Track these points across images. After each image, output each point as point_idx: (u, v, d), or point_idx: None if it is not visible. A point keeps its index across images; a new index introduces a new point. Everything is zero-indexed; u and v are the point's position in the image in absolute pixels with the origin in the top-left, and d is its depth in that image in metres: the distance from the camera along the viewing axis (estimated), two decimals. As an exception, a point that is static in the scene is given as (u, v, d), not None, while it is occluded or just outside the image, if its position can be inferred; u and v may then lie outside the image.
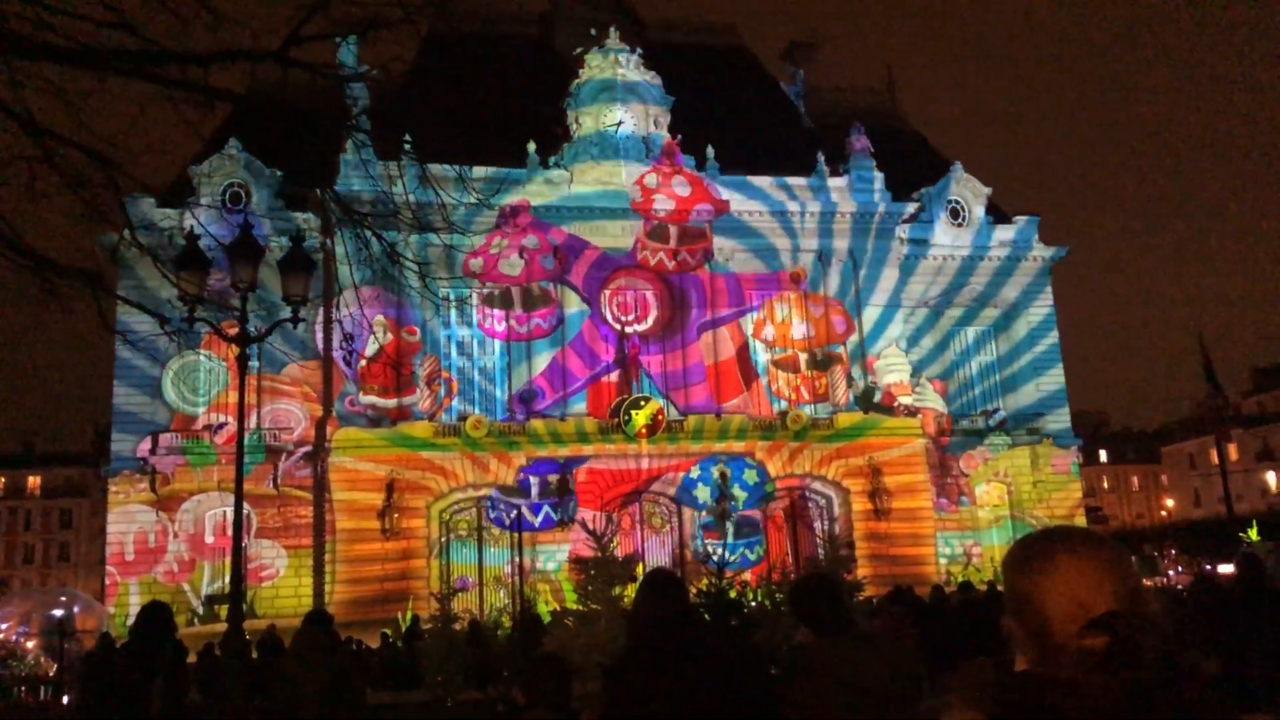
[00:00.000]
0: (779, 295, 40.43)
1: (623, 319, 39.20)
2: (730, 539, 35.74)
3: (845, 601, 4.78)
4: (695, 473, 37.13)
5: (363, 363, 33.85)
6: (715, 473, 36.80)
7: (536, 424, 36.67)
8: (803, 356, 40.12)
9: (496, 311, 38.13)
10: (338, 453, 35.18)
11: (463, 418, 36.84)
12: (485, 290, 37.83)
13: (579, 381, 38.20)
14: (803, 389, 39.91)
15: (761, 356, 40.41)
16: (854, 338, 40.50)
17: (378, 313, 33.24)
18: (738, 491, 36.81)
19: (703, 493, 36.89)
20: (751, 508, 37.05)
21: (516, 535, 36.10)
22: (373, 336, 32.62)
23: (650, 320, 39.57)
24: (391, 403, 36.20)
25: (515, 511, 34.27)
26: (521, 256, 37.84)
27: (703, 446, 37.38)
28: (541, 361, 38.23)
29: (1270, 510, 59.02)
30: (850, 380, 39.78)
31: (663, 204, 39.14)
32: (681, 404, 38.55)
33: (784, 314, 40.30)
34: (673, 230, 39.49)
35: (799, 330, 40.20)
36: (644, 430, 36.65)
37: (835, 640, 4.46)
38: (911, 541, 37.68)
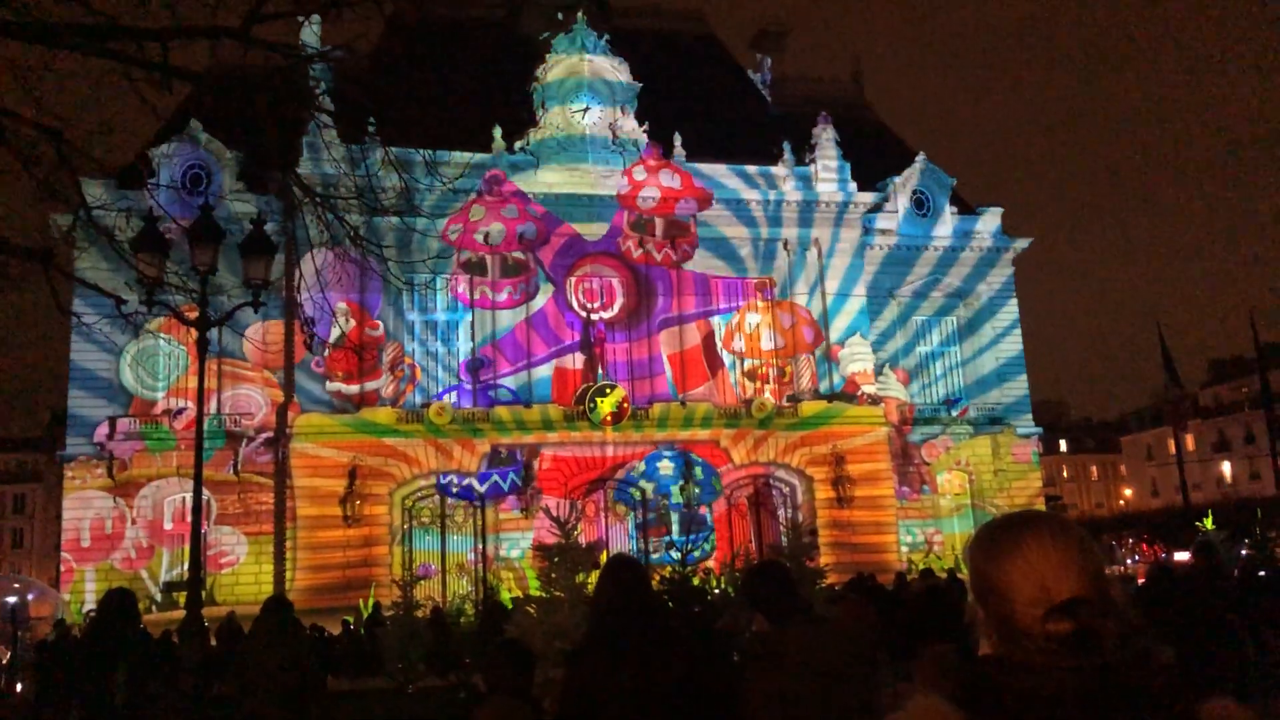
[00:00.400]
0: (749, 304, 40.39)
1: (589, 306, 39.13)
2: (676, 534, 35.80)
3: (797, 587, 4.77)
4: (640, 468, 37.03)
5: (326, 352, 33.56)
6: (661, 467, 36.87)
7: (501, 411, 36.55)
8: (772, 370, 40.13)
9: (472, 279, 37.91)
10: (299, 438, 34.89)
11: (425, 404, 36.63)
12: (462, 257, 37.61)
13: (539, 357, 38.05)
14: (770, 375, 40.03)
15: (731, 361, 40.46)
16: (819, 326, 40.66)
17: (340, 298, 32.95)
18: (691, 488, 36.89)
19: (648, 487, 36.90)
20: (701, 504, 37.10)
21: (479, 522, 36.04)
22: (335, 323, 32.36)
23: (616, 308, 39.54)
24: (354, 388, 35.95)
25: (467, 481, 34.44)
26: (496, 224, 37.61)
27: (668, 434, 37.43)
28: (505, 347, 38.05)
29: (1225, 500, 60.05)
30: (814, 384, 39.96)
31: (648, 195, 39.07)
32: (646, 392, 38.56)
33: (753, 325, 40.28)
34: (658, 223, 39.49)
35: (768, 341, 40.19)
36: (609, 418, 36.63)
37: (789, 626, 4.46)
38: (874, 529, 37.99)
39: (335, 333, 32.90)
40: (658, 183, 39.22)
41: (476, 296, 37.79)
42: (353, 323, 34.63)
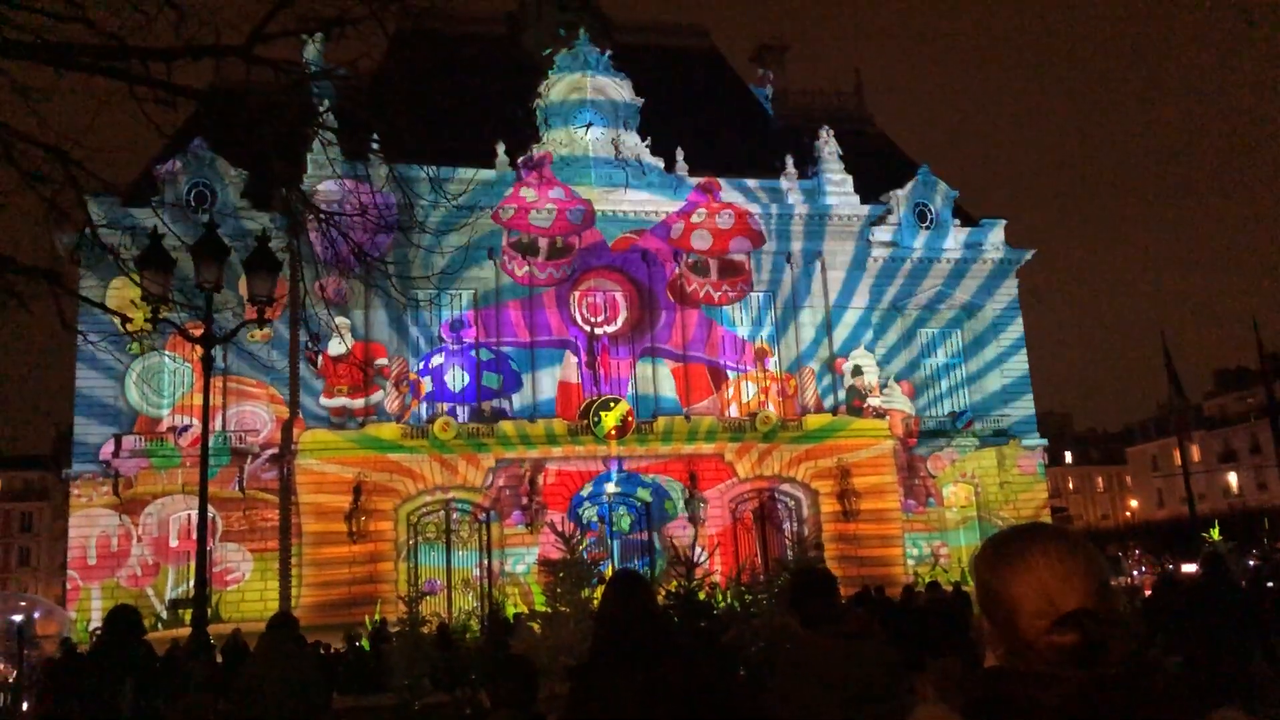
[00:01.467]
0: (746, 375, 40.28)
1: (592, 320, 39.15)
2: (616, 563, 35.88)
3: (839, 598, 4.78)
4: (588, 489, 37.03)
5: (320, 362, 33.71)
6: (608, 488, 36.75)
7: (505, 425, 36.55)
8: (712, 262, 40.29)
9: (523, 258, 38.16)
10: (304, 455, 34.90)
11: (430, 419, 36.64)
12: (514, 237, 37.96)
13: (546, 376, 38.12)
14: (772, 389, 39.97)
15: (677, 256, 40.36)
16: (823, 339, 40.63)
17: (344, 315, 33.06)
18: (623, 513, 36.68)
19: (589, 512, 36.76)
20: (640, 530, 36.87)
21: (485, 537, 36.03)
22: (338, 338, 32.54)
23: (620, 322, 39.56)
24: (359, 402, 35.96)
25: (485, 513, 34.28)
26: (545, 210, 38.29)
27: (672, 448, 37.39)
28: (508, 361, 38.04)
29: (1232, 510, 59.85)
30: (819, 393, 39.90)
31: (701, 241, 39.44)
32: (650, 406, 38.53)
33: (750, 394, 40.09)
34: (713, 264, 39.79)
35: (711, 239, 40.28)
36: (613, 432, 36.61)
37: (824, 634, 4.46)
38: (879, 543, 37.89)
39: (339, 349, 33.07)
40: (713, 225, 39.35)
41: (522, 274, 38.04)
42: (351, 340, 34.77)
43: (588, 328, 38.90)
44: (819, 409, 39.71)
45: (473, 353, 38.00)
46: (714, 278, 39.86)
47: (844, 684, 4.16)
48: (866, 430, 39.16)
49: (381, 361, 36.11)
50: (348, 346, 33.09)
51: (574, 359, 38.63)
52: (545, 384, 38.06)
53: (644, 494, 37.62)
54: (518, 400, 37.83)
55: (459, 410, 37.60)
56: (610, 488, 37.05)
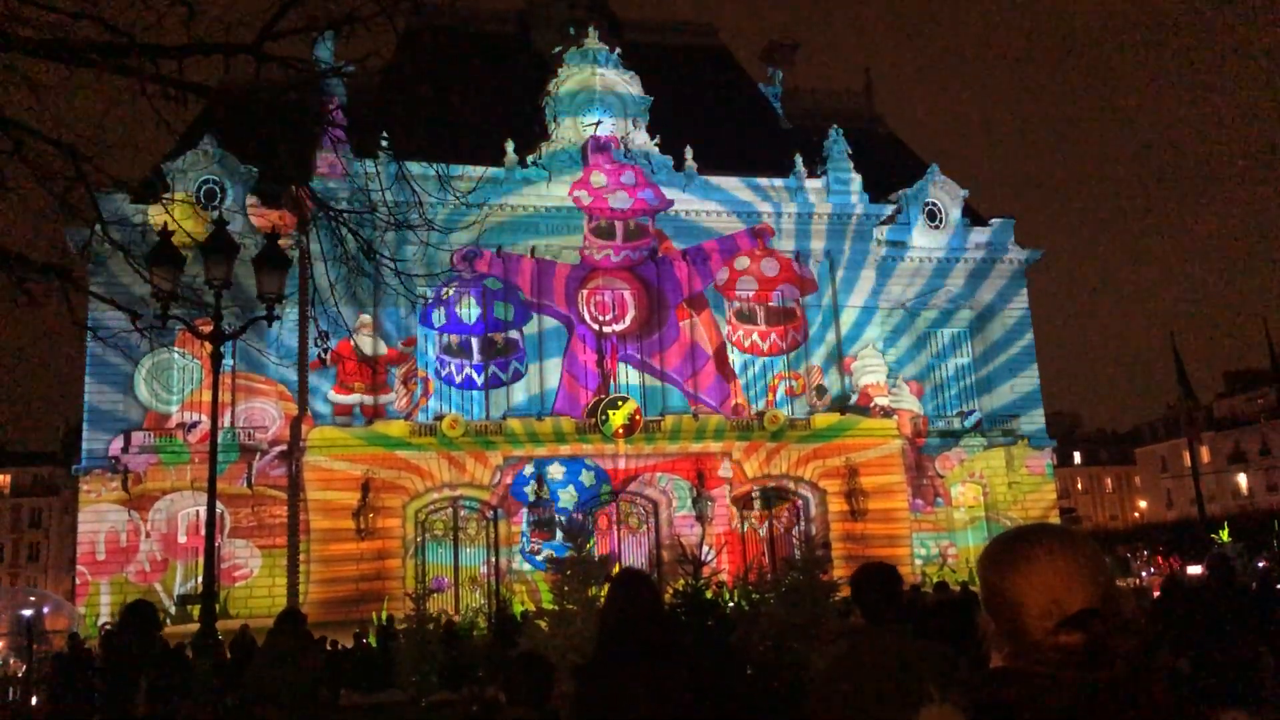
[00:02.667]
0: (746, 253, 40.38)
1: (600, 319, 39.16)
2: (559, 540, 35.83)
3: (901, 594, 4.79)
4: (528, 469, 36.78)
5: (326, 355, 33.72)
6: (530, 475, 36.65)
7: (513, 423, 36.57)
8: (759, 309, 40.44)
9: (457, 361, 37.97)
10: (313, 451, 34.98)
11: (439, 417, 36.69)
12: (444, 340, 37.82)
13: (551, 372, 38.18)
14: (779, 387, 39.89)
15: (722, 303, 40.35)
16: (830, 336, 40.58)
17: (354, 312, 33.07)
18: (570, 493, 36.52)
19: (531, 490, 36.57)
20: (580, 510, 36.68)
21: (492, 535, 36.05)
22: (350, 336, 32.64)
23: (628, 320, 39.56)
24: (368, 399, 36.03)
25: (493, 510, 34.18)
26: (481, 304, 37.88)
27: (680, 447, 37.38)
28: (518, 364, 38.04)
29: (1241, 512, 59.64)
30: (821, 390, 39.84)
31: (619, 202, 39.27)
32: (658, 404, 38.53)
33: (743, 266, 40.31)
34: (760, 310, 40.24)
35: (758, 285, 40.47)
36: (621, 430, 36.62)
37: (886, 630, 4.47)
38: (887, 542, 37.81)
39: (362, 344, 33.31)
40: (621, 186, 39.41)
41: (461, 380, 37.86)
42: (364, 336, 34.82)
43: (596, 327, 38.90)
44: (827, 406, 39.67)
45: (485, 283, 37.89)
46: (618, 240, 39.64)
47: (902, 680, 4.14)
48: (874, 430, 39.12)
49: (404, 349, 36.08)
50: (355, 343, 33.19)
51: (580, 348, 38.51)
52: (551, 374, 37.96)
53: (587, 477, 37.15)
54: (523, 392, 37.72)
55: (469, 399, 37.59)
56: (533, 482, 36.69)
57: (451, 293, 37.43)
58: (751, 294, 40.09)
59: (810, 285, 40.51)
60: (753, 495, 38.98)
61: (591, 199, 39.07)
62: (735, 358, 40.38)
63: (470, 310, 37.98)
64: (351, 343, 33.33)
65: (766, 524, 39.02)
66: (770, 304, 40.24)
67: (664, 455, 37.48)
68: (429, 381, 37.24)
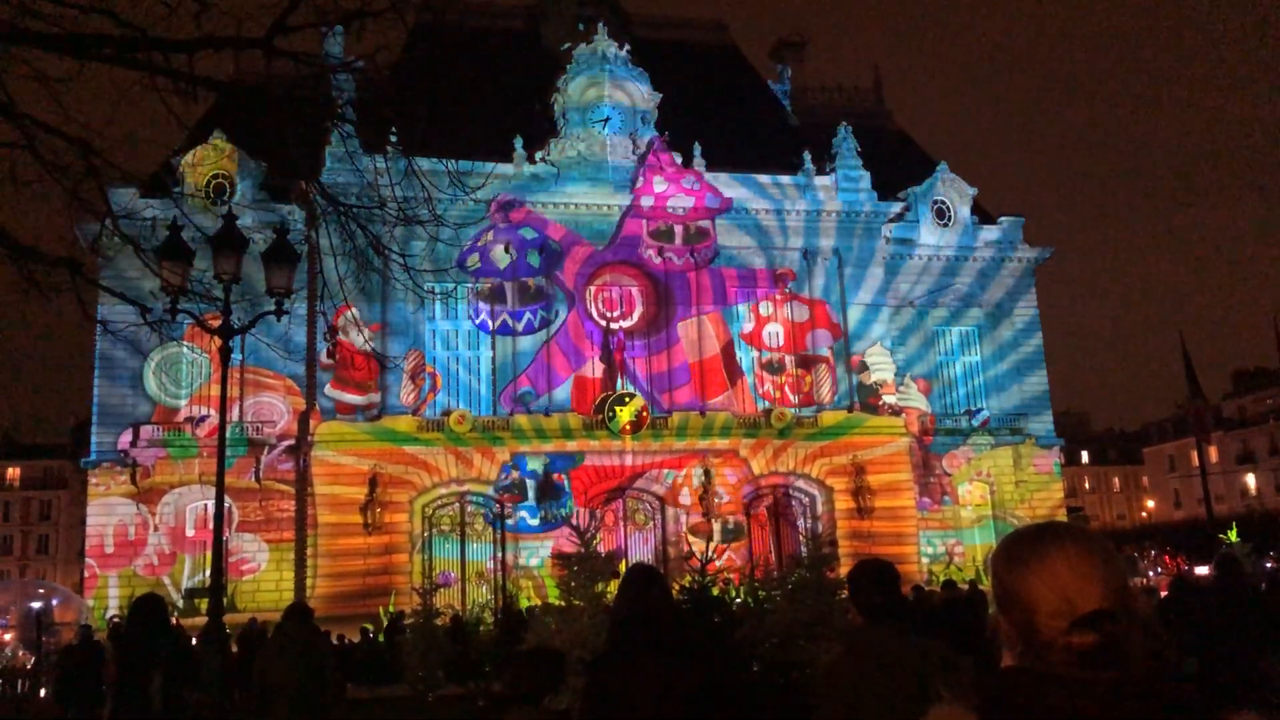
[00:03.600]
0: (767, 297, 40.31)
1: (608, 315, 39.17)
2: (531, 499, 36.29)
3: (899, 591, 4.76)
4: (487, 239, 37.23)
5: (324, 349, 33.72)
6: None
7: (521, 419, 36.61)
8: (789, 359, 40.13)
9: (490, 307, 38.03)
10: (320, 446, 35.05)
11: (446, 412, 36.75)
12: (476, 286, 37.82)
13: (563, 379, 38.14)
14: (788, 390, 39.84)
15: (748, 356, 40.38)
16: (838, 340, 40.52)
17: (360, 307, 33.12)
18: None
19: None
20: (557, 472, 36.78)
21: (500, 531, 36.11)
22: (357, 331, 32.78)
23: (635, 317, 39.56)
24: (374, 397, 36.08)
25: (499, 506, 34.22)
26: (510, 252, 37.80)
27: (687, 444, 37.38)
28: (526, 358, 38.07)
29: (1250, 512, 59.48)
30: (863, 366, 39.84)
31: (679, 204, 39.23)
32: (666, 401, 38.54)
33: (769, 311, 40.21)
34: (678, 230, 39.59)
35: (785, 334, 40.09)
36: (628, 427, 36.65)
37: (884, 628, 4.45)
38: (894, 540, 37.79)
39: (359, 342, 33.28)
40: (682, 189, 39.36)
41: (497, 325, 37.94)
42: (367, 332, 34.86)
43: (604, 322, 38.92)
44: (834, 402, 39.63)
45: (521, 231, 37.91)
46: (678, 243, 39.75)
47: (903, 679, 4.13)
48: (882, 427, 39.09)
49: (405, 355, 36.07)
50: (365, 338, 33.25)
51: (590, 353, 38.59)
52: (561, 375, 38.03)
53: (658, 489, 37.53)
54: (539, 395, 37.78)
55: (475, 396, 37.62)
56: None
57: (490, 239, 37.40)
58: (779, 344, 39.75)
59: (837, 330, 40.11)
60: (760, 492, 38.94)
61: (652, 202, 39.09)
62: (743, 354, 40.33)
63: (506, 257, 37.85)
64: (355, 340, 33.52)
65: (773, 521, 39.00)
66: (803, 353, 39.86)
67: (671, 452, 37.48)
68: (437, 377, 37.28)
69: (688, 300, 39.69)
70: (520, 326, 38.03)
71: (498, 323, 37.96)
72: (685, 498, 37.54)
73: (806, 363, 40.06)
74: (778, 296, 40.35)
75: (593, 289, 39.24)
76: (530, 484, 36.16)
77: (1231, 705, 1.95)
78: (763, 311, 40.13)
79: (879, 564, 4.81)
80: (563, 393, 37.99)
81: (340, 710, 9.37)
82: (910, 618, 4.75)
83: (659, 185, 39.10)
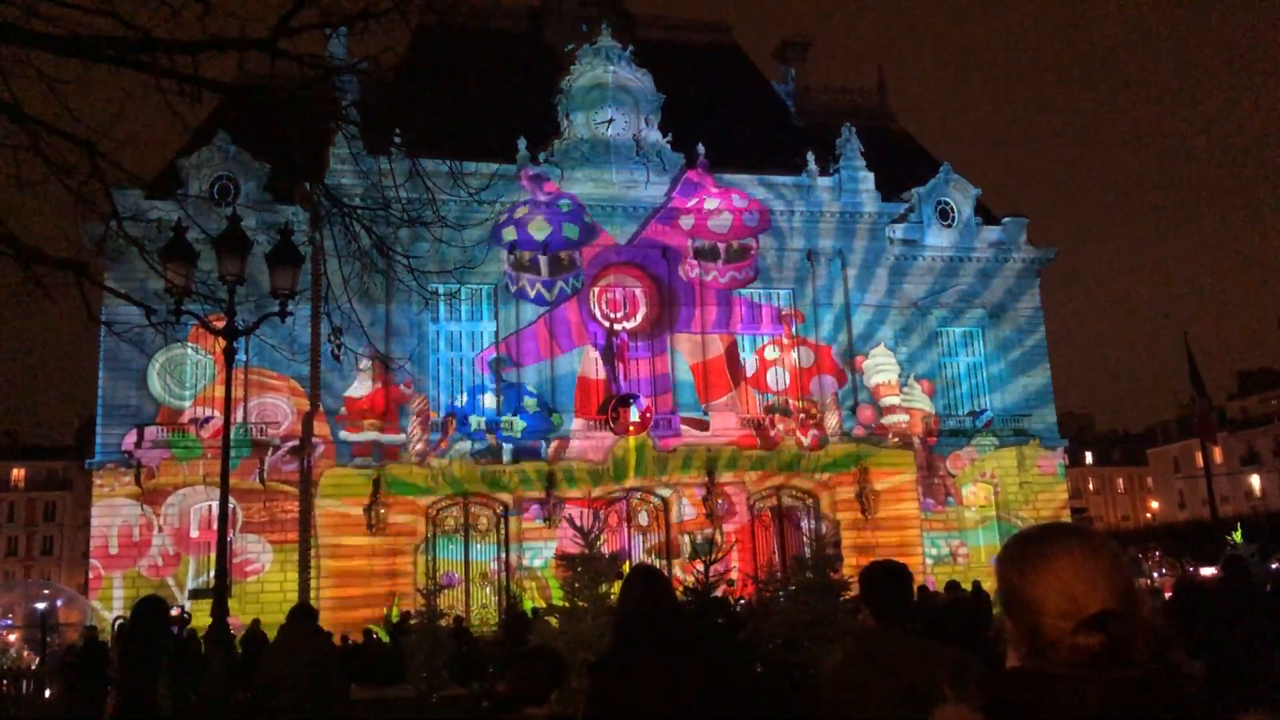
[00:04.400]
0: (774, 340, 39.85)
1: (611, 315, 39.14)
2: (507, 457, 36.18)
3: (911, 593, 4.74)
4: (522, 212, 37.36)
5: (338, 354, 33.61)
6: None
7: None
8: (793, 403, 39.71)
9: (527, 276, 38.07)
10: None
11: (451, 414, 36.77)
12: (514, 256, 37.87)
13: (541, 358, 37.92)
14: (797, 432, 38.87)
15: (756, 395, 39.89)
16: (842, 336, 40.46)
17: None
18: (516, 421, 36.80)
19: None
20: (533, 439, 36.73)
21: (503, 531, 36.11)
22: (359, 372, 33.37)
23: (639, 318, 39.55)
24: (384, 438, 35.64)
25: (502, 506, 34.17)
26: (552, 222, 37.92)
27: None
28: (530, 361, 37.98)
29: (1255, 513, 59.39)
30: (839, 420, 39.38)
31: (719, 224, 39.22)
32: (668, 403, 38.52)
33: (774, 355, 39.66)
34: (721, 249, 39.64)
35: (791, 378, 39.63)
36: (633, 428, 36.65)
37: (895, 629, 4.44)
38: (897, 541, 37.76)
39: (365, 387, 33.53)
40: (728, 206, 39.28)
41: (534, 295, 37.98)
42: (378, 383, 34.99)
43: (607, 323, 38.89)
44: (840, 431, 39.20)
45: (559, 205, 37.89)
46: (721, 263, 39.70)
47: (912, 681, 4.11)
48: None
49: (406, 390, 35.98)
50: (371, 381, 33.67)
51: (593, 355, 38.55)
52: (541, 353, 37.97)
53: (662, 491, 37.49)
54: (534, 385, 37.65)
55: (479, 392, 37.60)
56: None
57: (525, 213, 37.54)
58: (784, 387, 39.50)
59: (843, 377, 39.64)
60: (764, 494, 38.91)
61: (694, 221, 39.06)
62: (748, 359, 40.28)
63: (541, 228, 37.80)
64: (364, 387, 33.86)
65: (777, 522, 38.97)
66: (808, 397, 39.50)
67: (672, 485, 37.61)
68: (450, 422, 36.64)
69: (691, 303, 39.47)
70: (553, 295, 38.00)
71: (534, 292, 37.95)
72: (688, 508, 37.48)
73: (811, 409, 39.52)
74: (784, 340, 39.82)
75: (596, 289, 39.15)
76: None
77: (1238, 706, 1.95)
78: (768, 355, 39.63)
79: (891, 565, 4.80)
80: (565, 388, 37.73)
81: (344, 710, 9.38)
82: (921, 619, 4.72)
83: (708, 204, 39.02)
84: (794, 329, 39.84)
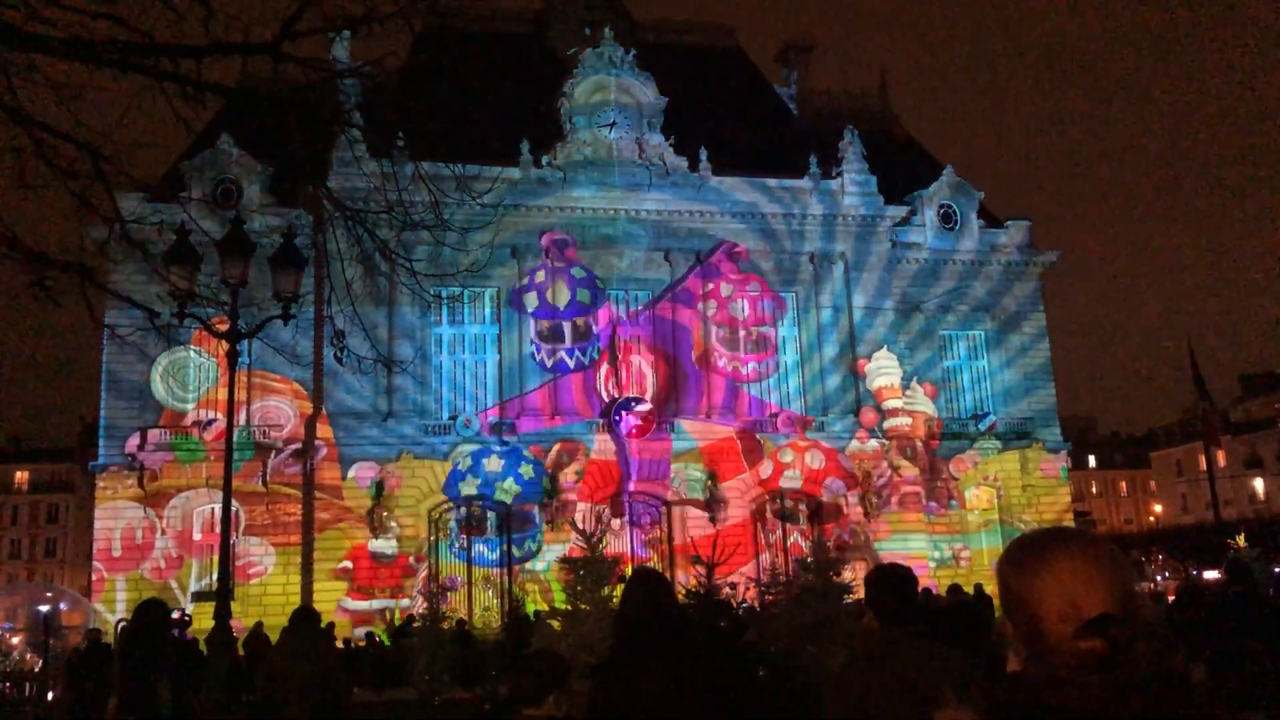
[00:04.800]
0: (789, 444, 38.71)
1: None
2: (493, 535, 35.76)
3: (916, 596, 4.74)
4: (464, 463, 36.18)
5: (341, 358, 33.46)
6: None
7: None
8: (803, 506, 39.16)
9: (548, 346, 37.61)
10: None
11: (454, 416, 36.79)
12: (539, 325, 37.39)
13: (560, 425, 37.51)
14: (800, 539, 37.96)
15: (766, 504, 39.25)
16: (847, 344, 40.45)
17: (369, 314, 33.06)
18: (510, 486, 35.62)
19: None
20: (526, 502, 36.10)
21: (506, 535, 36.09)
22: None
23: (640, 320, 39.50)
24: (391, 603, 34.57)
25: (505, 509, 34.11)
26: (564, 291, 37.17)
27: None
28: (532, 364, 37.91)
29: (1259, 517, 59.29)
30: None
31: (739, 312, 38.73)
32: (671, 406, 38.48)
33: (789, 459, 38.49)
34: (742, 335, 39.29)
35: (803, 480, 38.59)
36: (635, 432, 36.64)
37: (900, 632, 4.44)
38: (900, 544, 37.70)
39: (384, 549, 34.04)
40: (743, 295, 38.80)
41: (554, 363, 37.47)
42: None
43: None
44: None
45: (572, 271, 37.36)
46: (742, 353, 39.24)
47: (915, 685, 4.11)
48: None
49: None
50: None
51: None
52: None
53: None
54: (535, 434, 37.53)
55: (482, 394, 37.57)
56: (491, 461, 35.61)
57: (543, 279, 37.27)
58: (798, 487, 38.57)
59: (851, 480, 38.74)
60: (767, 496, 38.87)
61: (717, 308, 38.80)
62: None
63: (560, 294, 37.26)
64: (369, 548, 33.77)
65: (780, 525, 38.91)
66: (818, 498, 38.74)
67: (677, 455, 37.50)
68: (459, 586, 35.74)
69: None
70: (574, 363, 37.54)
71: (554, 361, 37.43)
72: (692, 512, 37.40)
73: (822, 510, 38.84)
74: (800, 442, 39.00)
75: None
76: (490, 514, 35.95)
77: (1240, 710, 1.95)
78: (782, 459, 38.46)
79: (897, 568, 4.80)
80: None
81: (346, 714, 9.37)
82: (924, 623, 4.70)
83: (724, 290, 38.64)
84: (806, 432, 39.00)
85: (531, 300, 37.14)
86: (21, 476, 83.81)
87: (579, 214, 38.88)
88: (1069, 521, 42.93)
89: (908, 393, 40.87)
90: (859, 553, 36.35)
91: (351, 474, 35.33)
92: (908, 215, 43.05)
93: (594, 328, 37.96)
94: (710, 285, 38.95)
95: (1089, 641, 1.89)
